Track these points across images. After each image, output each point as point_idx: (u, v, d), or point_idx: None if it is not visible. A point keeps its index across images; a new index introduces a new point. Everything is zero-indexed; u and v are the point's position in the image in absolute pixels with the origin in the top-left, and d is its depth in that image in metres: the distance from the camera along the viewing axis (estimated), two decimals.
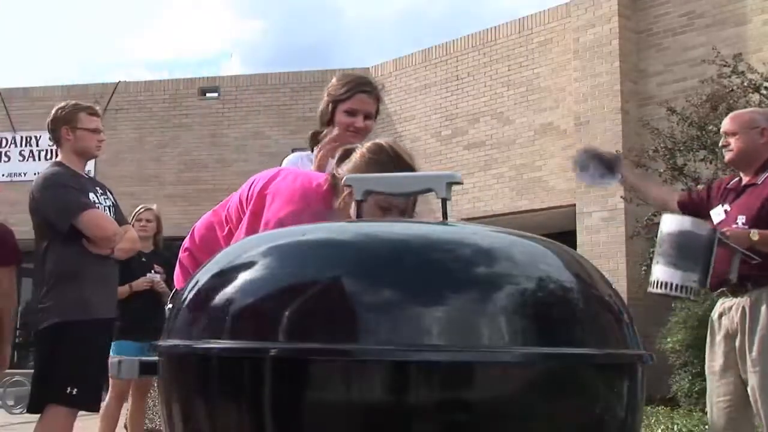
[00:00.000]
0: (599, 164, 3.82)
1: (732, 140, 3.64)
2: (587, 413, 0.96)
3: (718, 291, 3.66)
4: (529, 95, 11.67)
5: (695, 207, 3.83)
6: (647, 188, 4.14)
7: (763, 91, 8.03)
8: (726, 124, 3.73)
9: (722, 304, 3.67)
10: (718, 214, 3.69)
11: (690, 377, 7.75)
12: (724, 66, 8.14)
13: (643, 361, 1.01)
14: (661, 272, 3.42)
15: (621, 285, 9.32)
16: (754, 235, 3.45)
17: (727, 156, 3.72)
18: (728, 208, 3.65)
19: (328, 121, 2.80)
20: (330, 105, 2.79)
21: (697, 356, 7.19)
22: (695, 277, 3.36)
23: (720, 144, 3.89)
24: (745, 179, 3.67)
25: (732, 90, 8.07)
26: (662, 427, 6.69)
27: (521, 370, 0.92)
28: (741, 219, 3.57)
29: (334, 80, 2.86)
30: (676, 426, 6.70)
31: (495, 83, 12.07)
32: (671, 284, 3.39)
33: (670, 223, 3.50)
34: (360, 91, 2.78)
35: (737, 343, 3.58)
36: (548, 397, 0.93)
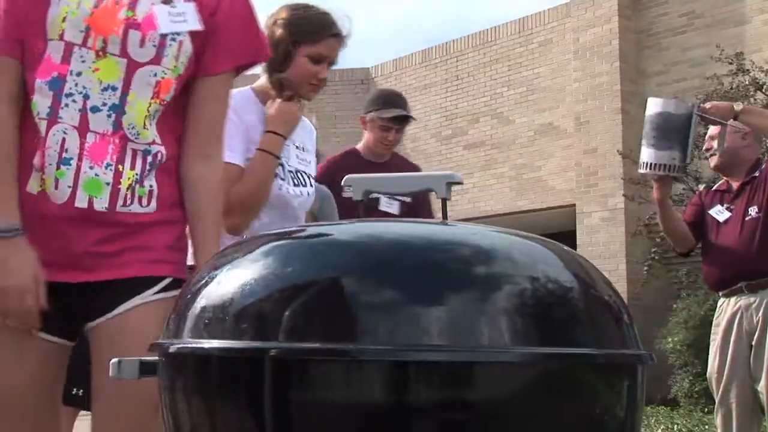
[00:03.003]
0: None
1: (715, 143, 3.66)
2: (587, 413, 0.96)
3: (732, 288, 3.61)
4: (529, 95, 11.67)
5: (699, 210, 3.83)
6: (668, 212, 3.84)
7: (767, 90, 8.03)
8: (712, 129, 3.75)
9: (736, 303, 3.60)
10: (719, 212, 3.68)
11: (690, 377, 7.76)
12: (730, 64, 8.15)
13: (643, 361, 1.01)
14: (645, 154, 3.49)
15: (621, 285, 9.32)
16: (738, 105, 3.48)
17: (713, 161, 3.75)
18: (731, 206, 3.64)
19: (282, 63, 2.27)
20: (290, 44, 2.26)
21: (698, 356, 7.19)
22: (675, 155, 3.41)
23: (704, 148, 3.90)
24: (737, 182, 3.68)
25: (733, 89, 8.08)
26: (662, 427, 6.70)
27: (521, 370, 0.92)
28: (753, 209, 3.56)
29: (285, 13, 2.32)
30: (676, 426, 6.71)
31: (495, 83, 12.06)
32: (653, 164, 3.45)
33: (652, 105, 3.54)
34: (331, 34, 2.29)
35: (755, 341, 3.53)
36: (548, 397, 0.93)
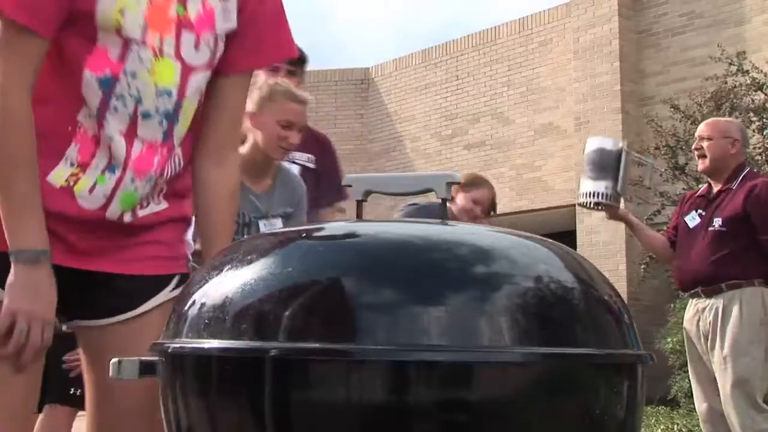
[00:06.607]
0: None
1: (705, 145, 3.79)
2: (587, 413, 0.96)
3: (691, 291, 3.75)
4: (529, 95, 11.67)
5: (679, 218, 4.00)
6: (640, 232, 4.22)
7: (767, 90, 8.03)
8: (702, 128, 3.89)
9: (695, 305, 3.76)
10: (692, 218, 3.84)
11: (689, 377, 7.75)
12: (730, 64, 8.15)
13: (643, 361, 1.01)
14: (583, 186, 3.83)
15: (621, 285, 9.32)
16: None
17: (701, 165, 3.90)
18: (702, 212, 3.77)
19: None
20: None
21: None
22: (608, 184, 3.75)
23: (693, 147, 4.02)
24: (717, 187, 3.80)
25: (735, 88, 8.08)
26: (662, 427, 6.70)
27: (521, 370, 0.92)
28: (717, 221, 3.68)
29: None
30: (676, 426, 6.71)
31: (495, 83, 12.06)
32: (590, 193, 3.78)
33: (590, 144, 3.92)
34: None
35: (708, 344, 3.66)
36: (548, 397, 0.93)
